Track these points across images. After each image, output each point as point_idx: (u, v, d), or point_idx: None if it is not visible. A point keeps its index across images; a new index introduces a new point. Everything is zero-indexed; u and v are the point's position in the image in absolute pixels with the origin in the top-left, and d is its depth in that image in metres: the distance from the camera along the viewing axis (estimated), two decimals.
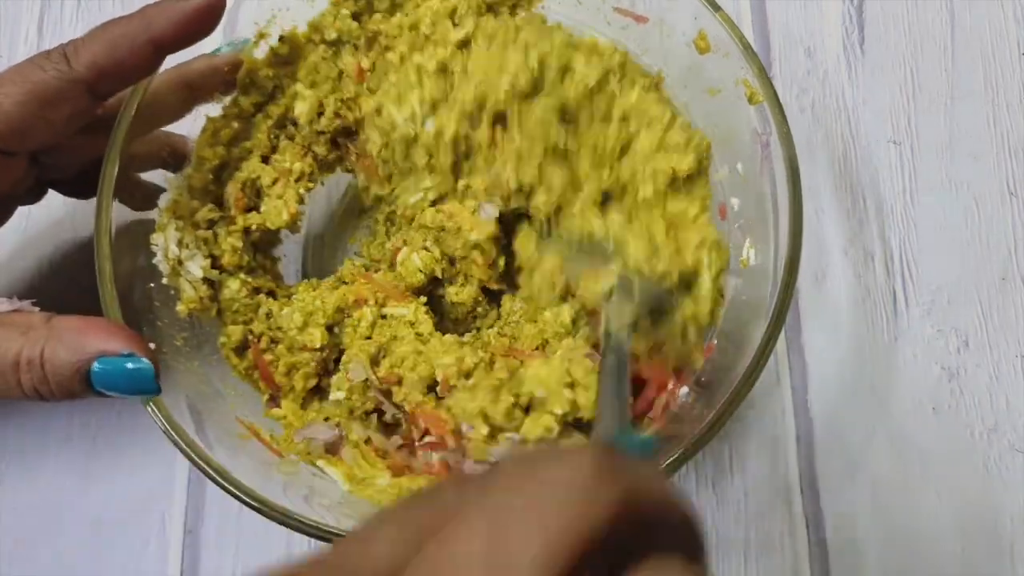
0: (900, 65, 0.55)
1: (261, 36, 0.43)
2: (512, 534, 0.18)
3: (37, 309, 0.38)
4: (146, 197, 0.42)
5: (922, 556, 0.46)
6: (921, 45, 0.55)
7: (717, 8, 0.42)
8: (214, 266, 0.43)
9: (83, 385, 0.35)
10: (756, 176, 0.43)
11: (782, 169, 0.40)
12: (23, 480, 0.47)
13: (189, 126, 0.43)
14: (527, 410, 0.40)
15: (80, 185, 0.46)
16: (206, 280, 0.42)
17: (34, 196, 0.44)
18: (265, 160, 0.44)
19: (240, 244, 0.43)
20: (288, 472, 0.40)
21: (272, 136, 0.44)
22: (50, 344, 0.34)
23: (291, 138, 0.45)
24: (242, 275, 0.43)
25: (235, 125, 0.43)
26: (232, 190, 0.43)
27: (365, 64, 0.44)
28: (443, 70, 0.42)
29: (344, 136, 0.45)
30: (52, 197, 0.45)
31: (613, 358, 0.37)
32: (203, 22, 0.37)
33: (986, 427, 0.48)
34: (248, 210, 0.44)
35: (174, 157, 0.43)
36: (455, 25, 0.42)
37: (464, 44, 0.42)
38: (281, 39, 0.43)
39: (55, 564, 0.46)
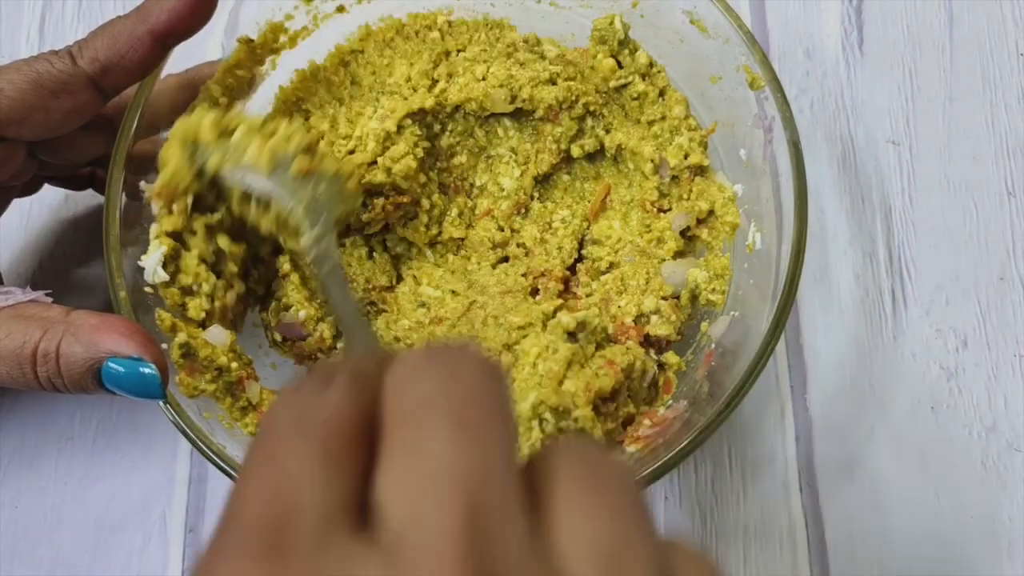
0: (899, 65, 0.55)
1: (247, 39, 0.44)
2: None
3: (51, 299, 0.38)
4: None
5: (921, 555, 0.46)
6: (920, 46, 0.55)
7: None
8: None
9: (95, 382, 0.35)
10: (759, 161, 0.43)
11: (785, 152, 0.41)
12: (24, 479, 0.47)
13: None
14: None
15: (75, 178, 0.46)
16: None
17: (30, 190, 0.45)
18: None
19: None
20: None
21: None
22: (66, 339, 0.35)
23: None
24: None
25: None
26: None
27: None
28: None
29: None
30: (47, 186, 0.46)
31: (333, 280, 0.37)
32: (199, 12, 0.38)
33: (984, 426, 0.48)
34: None
35: None
36: None
37: None
38: None
39: (56, 563, 0.46)
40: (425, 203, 0.47)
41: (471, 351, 0.20)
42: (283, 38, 0.46)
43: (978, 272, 0.51)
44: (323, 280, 0.38)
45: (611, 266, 0.47)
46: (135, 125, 0.40)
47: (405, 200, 0.46)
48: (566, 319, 0.42)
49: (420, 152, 0.46)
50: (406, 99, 0.46)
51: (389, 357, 0.21)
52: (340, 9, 0.47)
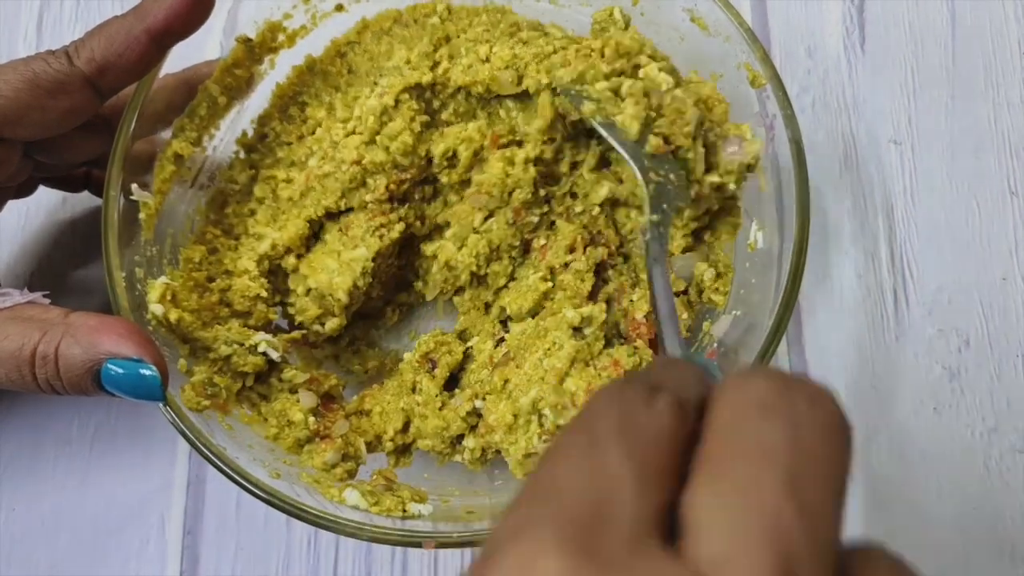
0: (901, 64, 0.55)
1: (245, 38, 0.44)
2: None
3: (48, 301, 0.38)
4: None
5: (923, 556, 0.45)
6: (922, 44, 0.55)
7: None
8: None
9: (94, 383, 0.35)
10: (761, 159, 0.43)
11: (786, 151, 0.41)
12: (22, 482, 0.47)
13: None
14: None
15: (70, 179, 0.46)
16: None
17: (26, 191, 0.45)
18: None
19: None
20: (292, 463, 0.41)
21: None
22: (65, 340, 0.35)
23: None
24: None
25: None
26: None
27: None
28: None
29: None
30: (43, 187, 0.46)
31: (658, 268, 0.37)
32: (196, 11, 0.38)
33: (987, 427, 0.48)
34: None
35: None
36: None
37: None
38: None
39: (54, 566, 0.45)
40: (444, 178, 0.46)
41: (826, 400, 0.20)
42: (281, 37, 0.46)
43: (980, 272, 0.51)
44: (648, 267, 0.38)
45: (626, 258, 0.47)
46: (133, 125, 0.40)
47: (408, 177, 0.45)
48: (571, 315, 0.42)
49: (417, 127, 0.45)
50: (404, 76, 0.45)
51: (711, 375, 0.22)
52: (339, 8, 0.47)
